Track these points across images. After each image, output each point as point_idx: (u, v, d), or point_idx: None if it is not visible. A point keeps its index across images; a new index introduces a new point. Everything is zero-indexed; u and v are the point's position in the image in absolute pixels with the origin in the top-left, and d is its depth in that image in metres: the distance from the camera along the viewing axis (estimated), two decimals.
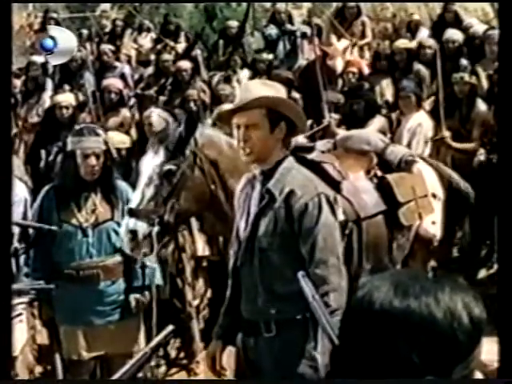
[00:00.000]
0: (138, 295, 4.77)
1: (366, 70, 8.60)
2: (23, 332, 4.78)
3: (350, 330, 1.43)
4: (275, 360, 3.39)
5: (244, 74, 9.01)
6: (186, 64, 8.62)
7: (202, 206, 4.36)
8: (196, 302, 5.81)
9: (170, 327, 2.21)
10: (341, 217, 3.54)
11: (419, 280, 1.41)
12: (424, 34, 9.47)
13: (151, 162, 4.18)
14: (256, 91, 3.42)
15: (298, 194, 3.32)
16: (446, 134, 6.80)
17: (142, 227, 4.05)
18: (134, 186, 4.53)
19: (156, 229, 4.06)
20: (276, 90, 3.48)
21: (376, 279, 1.43)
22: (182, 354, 5.92)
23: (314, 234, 3.30)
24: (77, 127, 5.06)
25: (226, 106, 6.47)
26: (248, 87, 3.54)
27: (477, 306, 1.39)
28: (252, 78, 8.46)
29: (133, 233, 4.07)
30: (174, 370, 5.82)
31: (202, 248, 5.68)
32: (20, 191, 4.95)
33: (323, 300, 3.18)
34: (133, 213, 4.11)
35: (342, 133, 5.92)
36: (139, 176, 4.22)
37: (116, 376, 1.98)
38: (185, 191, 4.14)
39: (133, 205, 4.14)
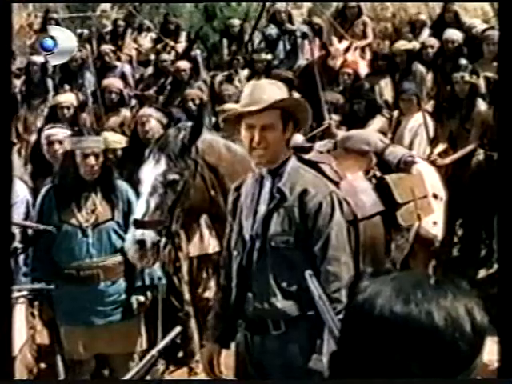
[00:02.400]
0: (139, 296, 4.77)
1: (364, 71, 8.60)
2: (21, 320, 4.76)
3: (349, 334, 1.41)
4: (284, 357, 3.39)
5: (243, 73, 9.01)
6: (184, 64, 8.64)
7: (203, 212, 4.42)
8: (208, 295, 5.81)
9: (178, 329, 2.20)
10: None
11: (421, 286, 1.38)
12: (427, 33, 9.48)
13: (153, 171, 4.13)
14: (269, 91, 3.42)
15: (312, 192, 3.35)
16: (435, 155, 6.77)
17: (149, 236, 4.03)
18: (135, 191, 4.54)
19: (164, 239, 4.07)
20: (283, 90, 3.49)
21: (377, 284, 1.40)
22: (180, 354, 5.91)
23: (327, 231, 3.34)
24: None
25: (228, 106, 6.48)
26: (260, 87, 3.50)
27: (479, 312, 1.37)
28: (250, 77, 8.46)
29: (141, 242, 4.04)
30: (172, 368, 5.81)
31: (212, 245, 5.68)
32: (21, 191, 4.95)
33: (335, 296, 3.22)
34: (139, 224, 4.07)
35: (341, 133, 5.92)
36: (141, 185, 4.18)
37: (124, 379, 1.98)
38: (188, 200, 4.13)
39: (138, 215, 4.10)
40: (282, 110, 3.37)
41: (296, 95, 7.39)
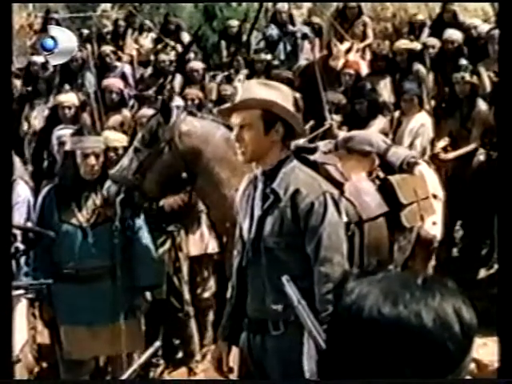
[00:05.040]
0: (140, 296, 4.78)
1: (365, 71, 8.59)
2: (22, 320, 4.76)
3: (338, 336, 1.39)
4: (282, 358, 3.39)
5: (243, 74, 9.02)
6: (197, 64, 8.76)
7: (166, 191, 4.72)
8: (207, 294, 5.82)
9: (158, 343, 2.23)
10: (344, 218, 3.55)
11: (409, 286, 1.37)
12: (427, 34, 9.47)
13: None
14: (254, 92, 3.42)
15: (304, 192, 3.34)
16: (438, 149, 6.78)
17: (111, 191, 4.53)
18: None
19: (121, 196, 4.49)
20: (277, 92, 3.46)
21: (364, 285, 1.38)
22: (180, 354, 5.91)
23: (319, 232, 3.33)
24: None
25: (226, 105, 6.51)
26: (248, 87, 3.54)
27: (467, 311, 1.36)
28: (250, 78, 8.47)
29: (106, 195, 4.58)
30: (173, 369, 5.81)
31: (212, 245, 5.69)
32: (23, 192, 4.95)
33: (327, 298, 3.22)
34: (110, 177, 4.58)
35: (343, 134, 5.91)
36: None
37: None
38: (150, 172, 4.47)
39: (112, 171, 4.61)
40: (263, 111, 3.37)
41: (296, 95, 7.40)
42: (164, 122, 4.48)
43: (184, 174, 4.46)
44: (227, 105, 3.52)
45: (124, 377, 2.01)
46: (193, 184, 4.57)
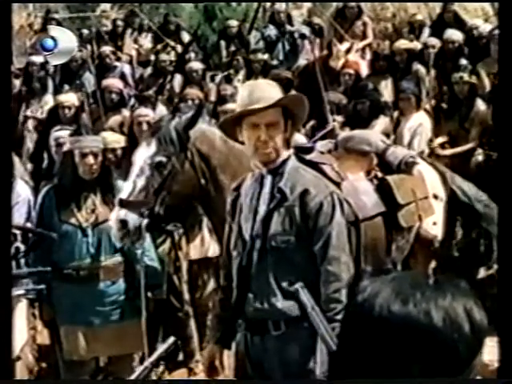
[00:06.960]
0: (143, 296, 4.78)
1: (365, 71, 8.60)
2: (22, 320, 4.76)
3: (349, 334, 1.40)
4: (284, 358, 3.39)
5: (242, 74, 9.03)
6: (197, 64, 8.76)
7: (191, 200, 4.39)
8: (207, 297, 5.82)
9: (172, 339, 2.19)
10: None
11: (420, 286, 1.38)
12: (427, 34, 9.48)
13: (143, 154, 4.23)
14: (269, 90, 3.45)
15: (313, 192, 3.37)
16: (436, 144, 6.80)
17: (132, 218, 4.10)
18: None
19: (146, 221, 4.11)
20: (279, 89, 3.51)
21: (377, 284, 1.40)
22: (180, 354, 5.90)
23: (327, 231, 3.36)
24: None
25: (230, 106, 6.48)
26: (259, 87, 3.54)
27: (478, 312, 1.37)
28: (248, 78, 8.47)
29: (123, 222, 4.13)
30: (172, 368, 5.80)
31: (213, 249, 5.68)
32: (23, 192, 4.95)
33: (335, 297, 3.23)
34: (123, 203, 4.15)
35: (343, 133, 5.92)
36: (132, 167, 4.27)
37: None
38: (175, 184, 4.16)
39: (124, 195, 4.18)
40: (282, 108, 3.40)
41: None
42: (184, 127, 4.17)
43: (203, 181, 4.18)
44: (259, 105, 3.34)
45: (136, 374, 2.00)
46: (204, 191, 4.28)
